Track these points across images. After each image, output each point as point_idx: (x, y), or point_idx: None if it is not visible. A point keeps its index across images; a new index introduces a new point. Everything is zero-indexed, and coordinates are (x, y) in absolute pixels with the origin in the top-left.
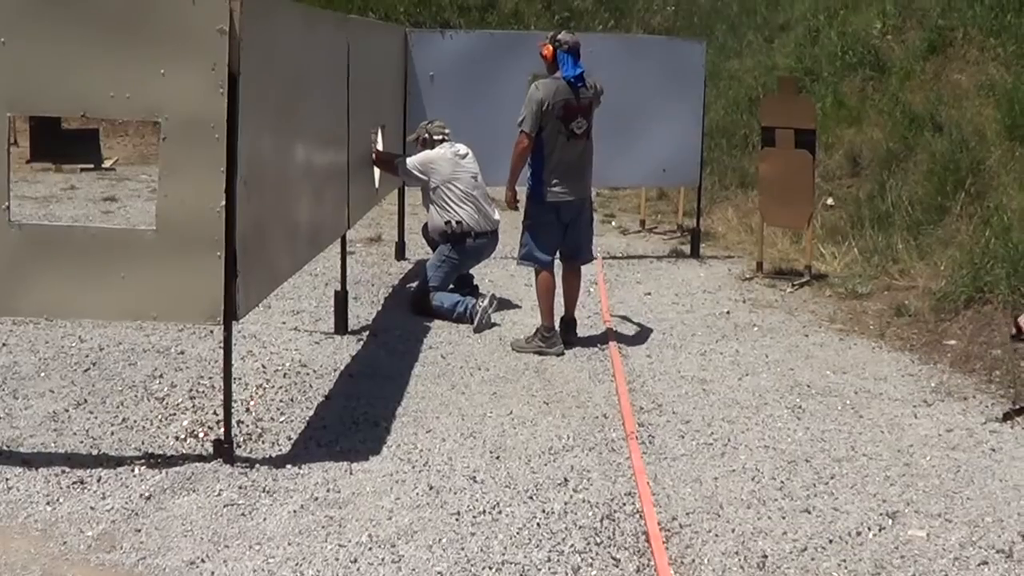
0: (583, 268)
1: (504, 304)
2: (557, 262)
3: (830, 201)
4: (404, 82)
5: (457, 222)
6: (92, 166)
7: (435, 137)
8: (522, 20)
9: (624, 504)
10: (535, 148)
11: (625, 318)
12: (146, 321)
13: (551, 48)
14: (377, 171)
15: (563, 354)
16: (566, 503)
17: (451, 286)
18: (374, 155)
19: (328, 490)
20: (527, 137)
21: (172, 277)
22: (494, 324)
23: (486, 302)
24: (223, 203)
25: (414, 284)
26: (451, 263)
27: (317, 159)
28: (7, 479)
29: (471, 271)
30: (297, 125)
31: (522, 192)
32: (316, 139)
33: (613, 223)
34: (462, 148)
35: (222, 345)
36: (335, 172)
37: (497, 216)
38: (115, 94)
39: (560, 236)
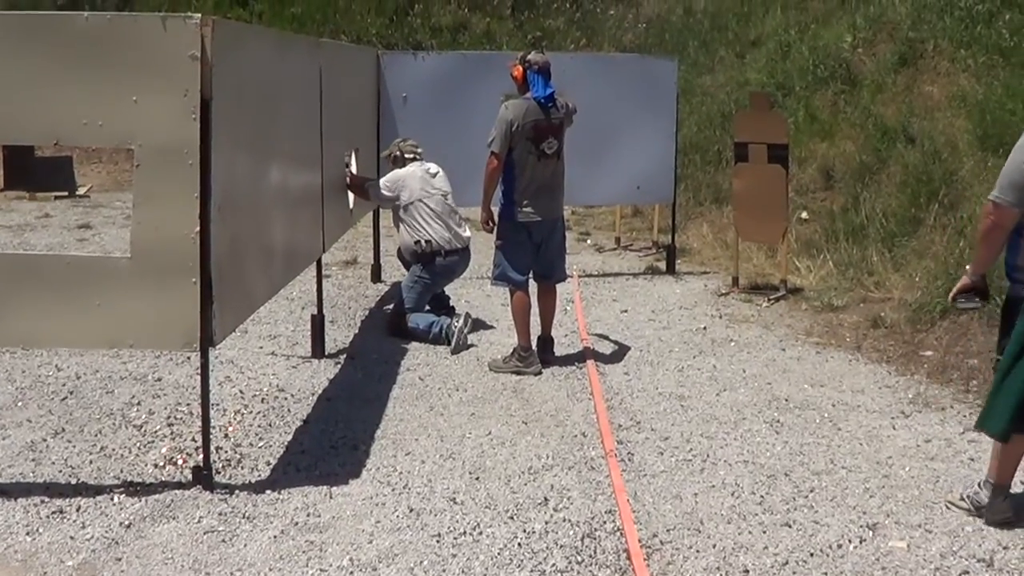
0: (559, 287)
1: (480, 324)
2: (533, 283)
3: (804, 215)
4: (377, 104)
5: (427, 241)
6: (66, 193)
7: (406, 155)
8: (494, 40)
9: (605, 522)
10: (506, 169)
11: (602, 336)
12: (123, 349)
13: (521, 69)
14: (351, 194)
15: (540, 373)
16: (547, 522)
17: (427, 307)
18: (348, 179)
19: (308, 515)
20: (496, 158)
21: (148, 304)
22: (471, 345)
23: (461, 322)
24: (197, 229)
25: (390, 306)
26: (423, 283)
27: (291, 183)
28: None
29: (446, 291)
30: (270, 149)
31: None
32: (290, 163)
33: (588, 241)
34: (433, 167)
35: (199, 371)
36: (309, 196)
37: (468, 233)
38: (88, 121)
39: (532, 256)
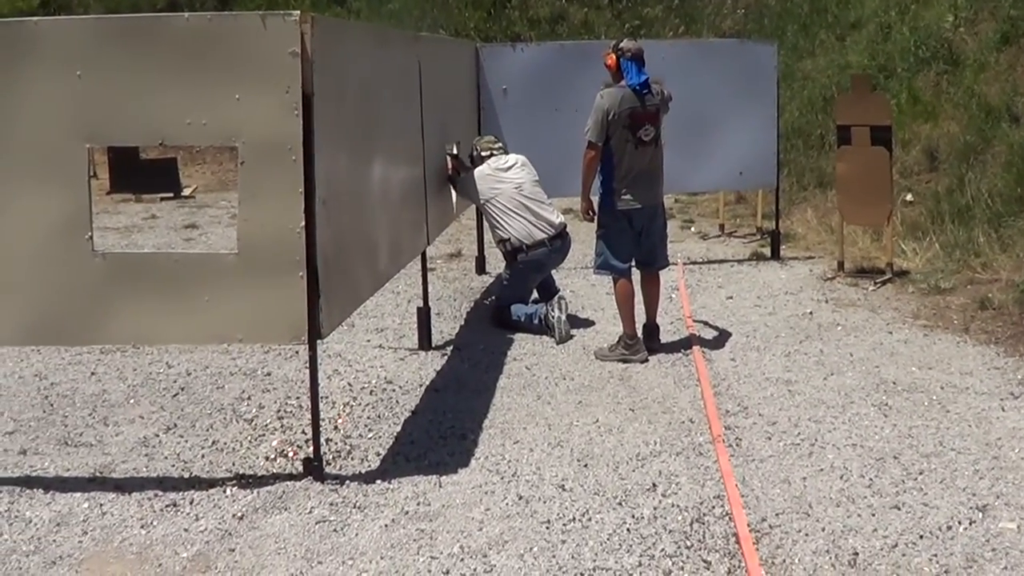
0: (664, 274)
1: (584, 317)
2: (636, 272)
3: (909, 197)
4: (477, 97)
5: (505, 240)
6: (172, 195)
7: (483, 153)
8: (592, 31)
9: (713, 507)
10: (604, 157)
11: (708, 323)
12: (232, 344)
13: (614, 57)
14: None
15: (647, 361)
16: (655, 508)
17: (535, 296)
18: (450, 168)
19: (418, 504)
20: (593, 147)
21: (255, 299)
22: (572, 335)
23: (557, 310)
24: (303, 224)
25: (493, 298)
26: (513, 283)
27: (394, 177)
28: (101, 504)
29: (553, 275)
30: (372, 143)
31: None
32: (392, 157)
33: (692, 228)
34: (510, 159)
35: (308, 365)
36: (412, 189)
37: (559, 218)
38: (191, 121)
39: (634, 243)
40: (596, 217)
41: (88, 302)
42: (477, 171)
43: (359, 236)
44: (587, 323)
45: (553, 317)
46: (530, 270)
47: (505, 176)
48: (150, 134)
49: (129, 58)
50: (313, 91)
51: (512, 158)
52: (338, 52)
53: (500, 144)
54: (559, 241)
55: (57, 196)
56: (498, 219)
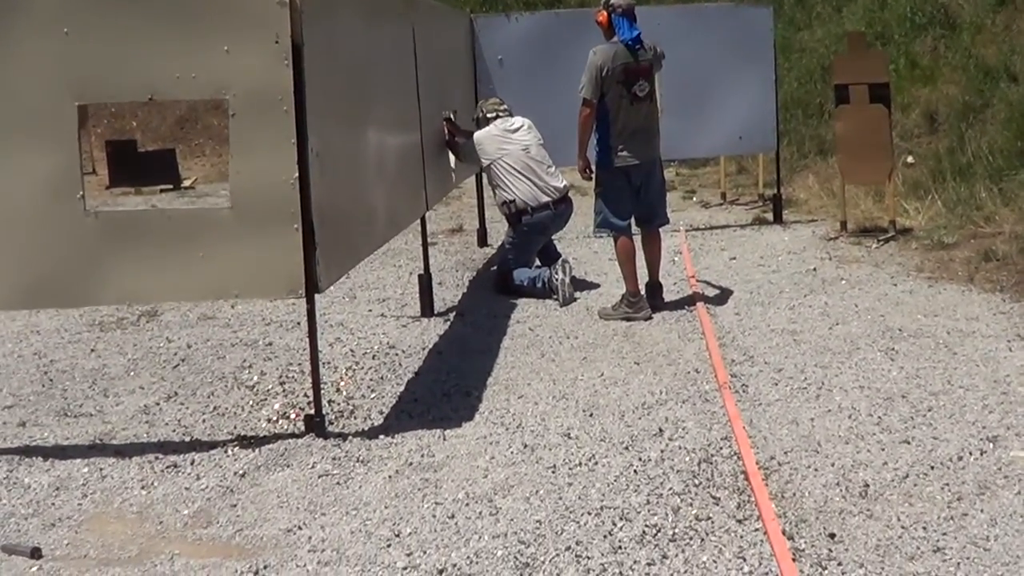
0: (666, 241)
1: (584, 285)
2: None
3: (910, 159)
4: (473, 67)
5: (510, 201)
6: (171, 186)
7: (488, 115)
8: (588, 2)
9: (721, 448)
10: (600, 115)
11: (710, 283)
12: (228, 299)
13: (605, 14)
14: (452, 155)
15: (651, 318)
16: (662, 451)
17: (537, 262)
18: (447, 133)
19: (423, 456)
20: (588, 104)
21: (251, 253)
22: (576, 297)
23: (560, 273)
24: (296, 175)
25: (496, 266)
26: (516, 245)
27: (390, 137)
28: (101, 468)
29: (555, 240)
30: (367, 102)
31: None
32: (387, 117)
33: (694, 199)
34: (517, 121)
35: (307, 318)
36: (410, 152)
37: (562, 183)
38: (181, 75)
39: (633, 200)
40: (594, 176)
41: (81, 262)
42: (485, 131)
43: (355, 192)
44: (591, 286)
45: (557, 279)
46: (534, 232)
47: (513, 137)
48: (140, 89)
49: (116, 13)
50: (303, 41)
51: (519, 120)
52: (327, 3)
53: (506, 106)
54: (563, 205)
55: (48, 155)
56: (504, 180)
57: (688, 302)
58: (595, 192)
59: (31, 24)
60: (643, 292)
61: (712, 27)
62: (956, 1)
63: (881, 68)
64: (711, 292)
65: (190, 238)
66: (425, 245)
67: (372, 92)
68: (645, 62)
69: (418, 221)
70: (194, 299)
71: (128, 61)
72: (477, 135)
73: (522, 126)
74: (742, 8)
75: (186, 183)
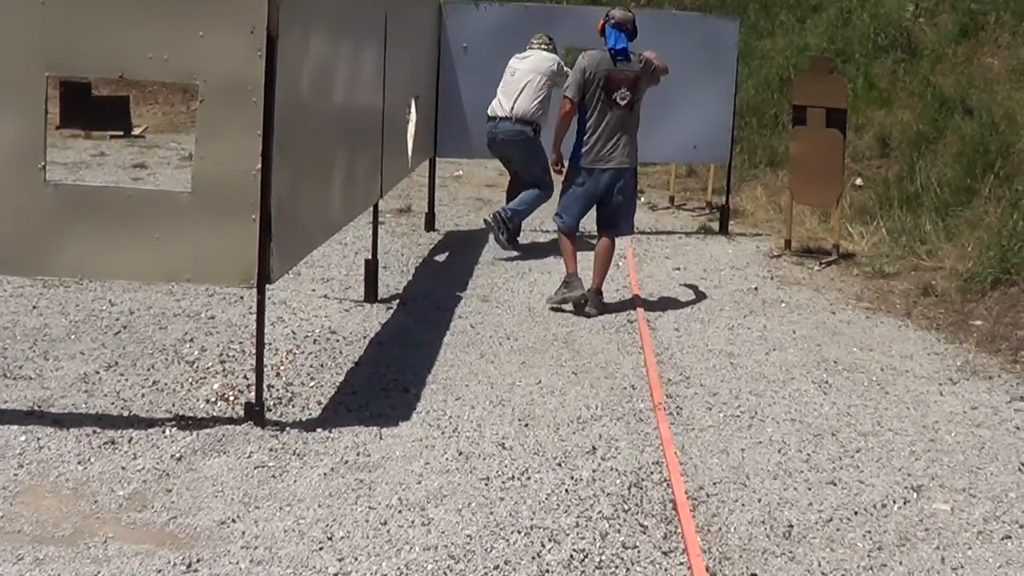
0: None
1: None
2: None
3: (859, 181)
4: (438, 53)
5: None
6: (122, 133)
7: (528, 49)
8: None
9: (652, 473)
10: (580, 115)
11: (654, 292)
12: (179, 283)
13: (602, 23)
14: (410, 141)
15: (586, 300)
16: (594, 471)
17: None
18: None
19: (358, 454)
20: (569, 102)
21: (206, 239)
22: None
23: (490, 218)
24: (259, 166)
25: (445, 254)
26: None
27: (352, 126)
28: (38, 438)
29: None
30: (334, 92)
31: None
32: (352, 106)
33: (642, 199)
34: (531, 53)
35: (255, 309)
36: (369, 140)
37: (515, 111)
38: (153, 56)
39: (592, 204)
40: (566, 171)
41: (37, 232)
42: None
43: (314, 182)
44: (540, 284)
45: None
46: (489, 143)
47: (511, 63)
48: (110, 66)
49: None
50: (278, 33)
51: (535, 53)
52: None
53: (541, 43)
54: (507, 126)
55: (12, 123)
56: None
57: (630, 308)
58: (562, 184)
59: None
60: (581, 280)
61: (678, 35)
62: (920, 27)
63: (840, 94)
64: (653, 303)
65: (148, 219)
66: (375, 229)
67: (340, 81)
68: (629, 72)
69: None
70: (146, 280)
71: (102, 37)
72: None
73: (528, 56)
74: (709, 19)
75: (136, 131)
